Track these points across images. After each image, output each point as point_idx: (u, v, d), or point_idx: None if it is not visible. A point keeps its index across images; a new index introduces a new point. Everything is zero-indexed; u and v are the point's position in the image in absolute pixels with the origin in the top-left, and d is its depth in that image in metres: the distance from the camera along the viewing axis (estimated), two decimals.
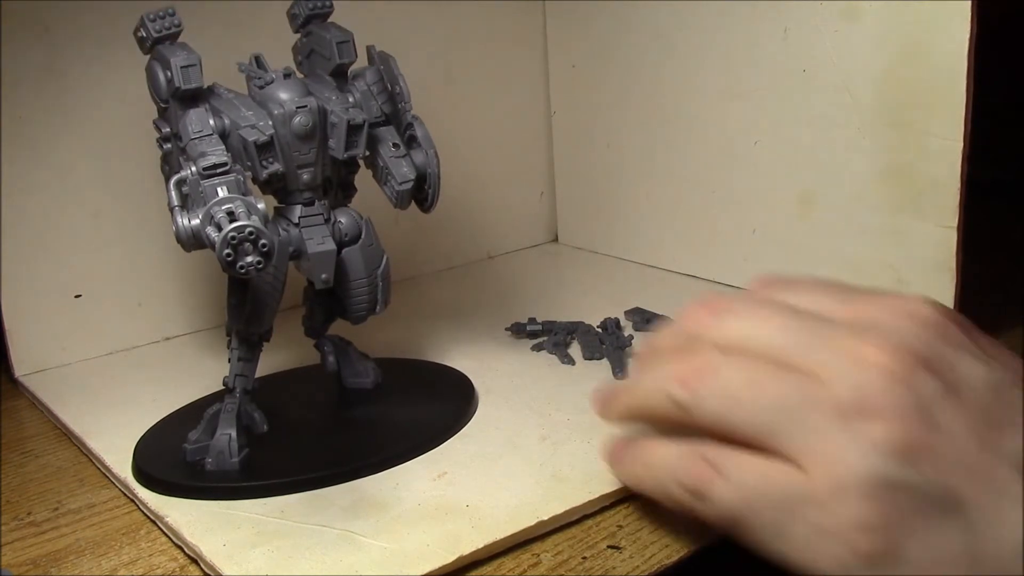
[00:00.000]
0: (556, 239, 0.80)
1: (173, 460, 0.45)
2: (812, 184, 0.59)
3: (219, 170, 0.41)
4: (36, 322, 0.58)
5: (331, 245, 0.45)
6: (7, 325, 0.57)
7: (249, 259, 0.38)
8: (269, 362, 0.53)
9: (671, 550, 0.38)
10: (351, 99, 0.47)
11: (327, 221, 0.46)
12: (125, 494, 0.45)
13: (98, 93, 0.58)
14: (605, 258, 0.74)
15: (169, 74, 0.43)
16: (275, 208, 0.46)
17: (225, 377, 0.47)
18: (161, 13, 0.44)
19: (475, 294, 0.68)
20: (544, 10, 0.75)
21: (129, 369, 0.58)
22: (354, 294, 0.47)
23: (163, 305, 0.62)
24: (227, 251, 0.38)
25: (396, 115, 0.48)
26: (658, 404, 0.36)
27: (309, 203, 0.46)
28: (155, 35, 0.44)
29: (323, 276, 0.45)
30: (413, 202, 0.49)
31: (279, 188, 0.46)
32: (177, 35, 0.45)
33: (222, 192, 0.40)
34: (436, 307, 0.65)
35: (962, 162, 0.51)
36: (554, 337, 0.57)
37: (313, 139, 0.44)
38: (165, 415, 0.51)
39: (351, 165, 0.48)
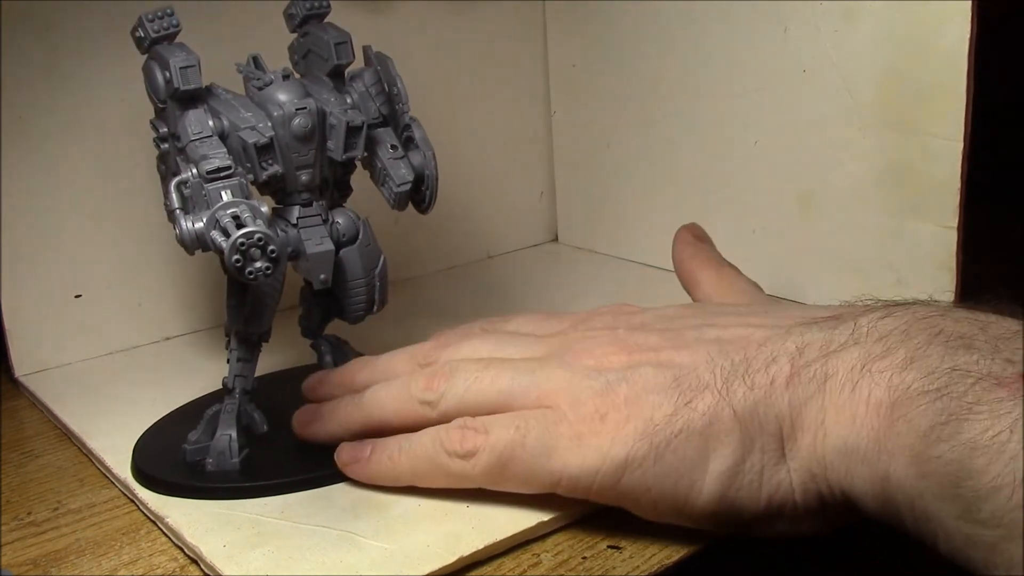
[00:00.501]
0: (556, 239, 0.80)
1: (173, 460, 0.45)
2: (812, 184, 0.59)
3: (223, 173, 0.41)
4: (36, 322, 0.58)
5: (329, 245, 0.45)
6: (7, 325, 0.57)
7: (258, 264, 0.38)
8: (267, 362, 0.53)
9: (671, 550, 0.38)
10: (349, 100, 0.47)
11: (325, 222, 0.46)
12: (125, 494, 0.45)
13: (98, 93, 0.58)
14: (605, 258, 0.74)
15: (168, 74, 0.43)
16: (273, 209, 0.46)
17: (224, 378, 0.47)
18: (160, 13, 0.44)
19: (475, 294, 0.68)
20: (544, 10, 0.75)
21: (129, 369, 0.58)
22: (352, 294, 0.47)
23: (163, 305, 0.62)
24: (236, 257, 0.38)
25: (394, 116, 0.48)
26: (405, 410, 0.42)
27: (307, 204, 0.46)
28: (153, 35, 0.44)
29: (321, 276, 0.45)
30: (411, 204, 0.49)
31: (278, 189, 0.46)
32: (175, 35, 0.44)
33: (226, 196, 0.40)
34: (437, 307, 0.65)
35: (962, 162, 0.51)
36: None
37: (312, 141, 0.45)
38: (163, 415, 0.50)
39: (348, 166, 0.48)
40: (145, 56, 0.45)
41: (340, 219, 0.47)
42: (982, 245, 0.54)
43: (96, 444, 0.48)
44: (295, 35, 0.50)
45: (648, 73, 0.67)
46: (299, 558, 0.38)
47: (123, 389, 0.55)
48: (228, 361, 0.47)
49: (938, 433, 0.31)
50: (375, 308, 0.48)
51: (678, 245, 0.53)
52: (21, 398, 0.57)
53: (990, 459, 0.29)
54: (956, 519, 0.31)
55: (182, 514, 0.42)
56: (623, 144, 0.71)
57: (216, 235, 0.39)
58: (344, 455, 0.43)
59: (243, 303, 0.45)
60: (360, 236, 0.47)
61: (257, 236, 0.38)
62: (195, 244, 0.40)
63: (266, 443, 0.46)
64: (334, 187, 0.48)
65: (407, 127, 0.48)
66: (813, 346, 0.36)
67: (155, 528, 0.42)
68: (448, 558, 0.37)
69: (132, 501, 0.44)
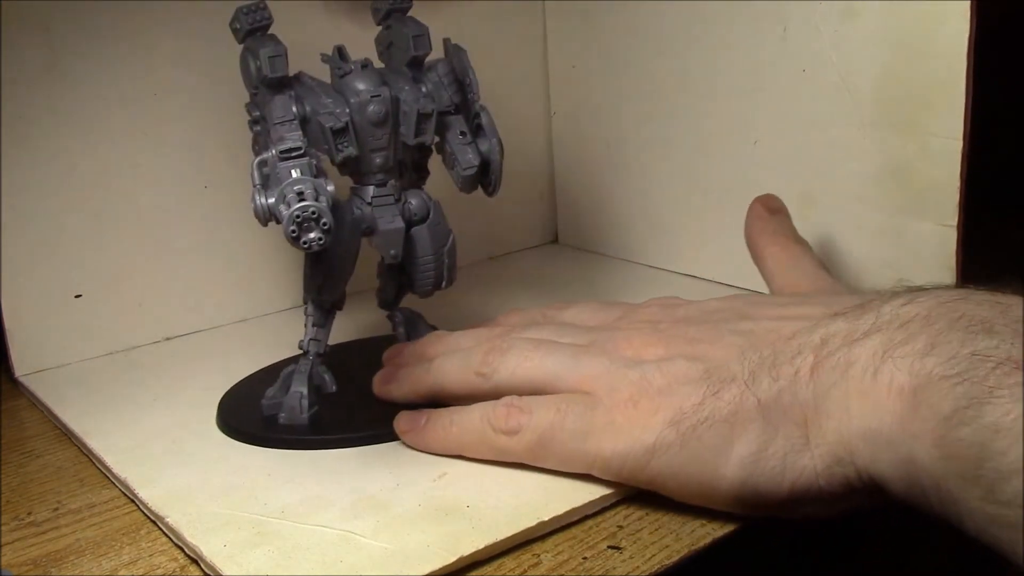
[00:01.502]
0: (556, 239, 0.80)
1: (252, 413, 0.50)
2: (812, 184, 0.59)
3: (294, 154, 0.45)
4: (36, 322, 0.58)
5: (400, 223, 0.49)
6: (7, 325, 0.57)
7: (312, 235, 0.43)
8: (346, 331, 0.58)
9: (671, 550, 0.38)
10: (424, 89, 0.50)
11: (398, 201, 0.49)
12: (125, 494, 0.45)
13: (98, 93, 0.58)
14: (605, 258, 0.74)
15: (258, 63, 0.47)
16: (351, 188, 0.50)
17: (300, 340, 0.51)
18: (254, 7, 0.47)
19: (477, 295, 0.68)
20: (544, 10, 0.75)
21: (130, 369, 0.58)
22: (421, 270, 0.51)
23: (163, 305, 0.62)
24: (292, 228, 0.42)
25: (466, 105, 0.51)
26: (463, 380, 0.46)
27: (382, 184, 0.49)
28: (248, 27, 0.47)
29: (392, 252, 0.49)
30: (480, 187, 0.52)
31: (354, 170, 0.49)
32: (267, 27, 0.48)
33: (295, 174, 0.44)
34: (440, 307, 0.65)
35: (962, 161, 0.51)
36: None
37: (385, 125, 0.48)
38: (248, 374, 0.54)
39: (423, 150, 0.51)
40: (241, 46, 0.49)
41: (413, 200, 0.50)
42: (982, 244, 0.54)
43: (96, 444, 0.48)
44: (380, 28, 0.53)
45: (648, 73, 0.67)
46: (299, 558, 0.38)
47: (123, 389, 0.55)
48: (305, 325, 0.51)
49: (960, 417, 0.31)
50: (443, 284, 0.52)
51: (750, 217, 0.54)
52: (21, 398, 0.57)
53: (1011, 441, 0.30)
54: (980, 500, 0.31)
55: (182, 514, 0.42)
56: (623, 144, 0.71)
57: (282, 208, 0.43)
58: (402, 423, 0.46)
59: (317, 273, 0.49)
60: (431, 216, 0.50)
61: (311, 210, 0.42)
62: (266, 217, 0.44)
63: (334, 402, 0.50)
64: (412, 170, 0.52)
65: (477, 115, 0.51)
66: (837, 336, 0.37)
67: (155, 528, 0.42)
68: (448, 558, 0.37)
69: (132, 501, 0.44)
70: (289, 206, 0.42)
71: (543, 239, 0.79)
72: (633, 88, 0.69)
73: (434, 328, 0.54)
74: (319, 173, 0.45)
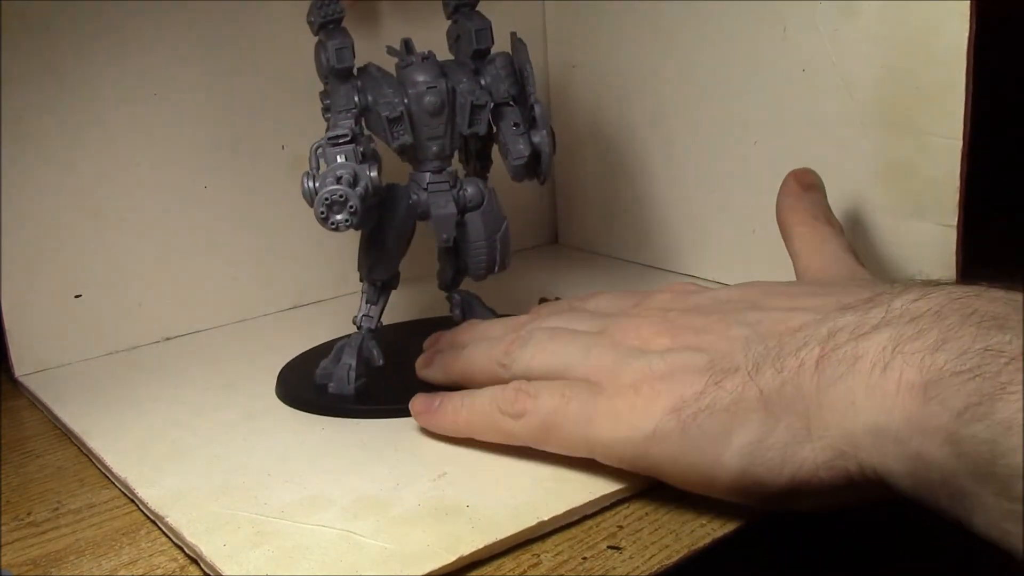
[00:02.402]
0: (556, 240, 0.80)
1: (307, 381, 0.53)
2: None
3: (341, 140, 0.47)
4: (36, 322, 0.58)
5: (452, 209, 0.51)
6: (7, 325, 0.57)
7: (338, 217, 0.45)
8: (408, 310, 0.62)
9: (671, 550, 0.38)
10: (483, 81, 0.52)
11: (452, 187, 0.52)
12: (125, 494, 0.45)
13: (98, 93, 0.58)
14: (605, 258, 0.74)
15: (327, 54, 0.49)
16: (409, 174, 0.53)
17: (354, 316, 0.53)
18: (327, 1, 0.50)
19: (479, 294, 0.67)
20: (544, 10, 0.75)
21: (129, 369, 0.58)
22: (474, 254, 0.53)
23: (163, 305, 0.62)
24: (321, 209, 0.45)
25: (523, 97, 0.53)
26: (486, 368, 0.47)
27: (438, 171, 0.52)
28: (320, 20, 0.50)
29: (444, 236, 0.52)
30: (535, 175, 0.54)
31: (412, 157, 0.52)
32: (339, 20, 0.50)
33: (340, 159, 0.46)
34: (439, 307, 0.65)
35: (962, 161, 0.51)
36: None
37: (441, 115, 0.51)
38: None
39: (485, 140, 0.54)
40: (316, 38, 0.51)
41: (469, 187, 0.52)
42: (982, 244, 0.54)
43: (96, 444, 0.48)
44: (450, 21, 0.55)
45: (648, 73, 0.67)
46: (299, 558, 0.38)
47: (123, 389, 0.55)
48: (360, 302, 0.53)
49: (972, 413, 0.31)
50: (496, 268, 0.54)
51: (781, 193, 0.54)
52: (21, 398, 0.57)
53: None
54: (993, 496, 0.31)
55: (182, 514, 0.42)
56: (623, 144, 0.71)
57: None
58: (417, 404, 0.47)
59: (370, 252, 0.52)
60: (485, 203, 0.52)
61: (339, 193, 0.45)
62: (310, 199, 0.46)
63: (382, 376, 0.53)
64: (475, 158, 0.55)
65: (532, 107, 0.53)
66: (845, 330, 0.37)
67: (155, 528, 0.42)
68: (448, 558, 0.37)
69: (132, 501, 0.44)
70: (324, 189, 0.45)
71: (543, 239, 0.79)
72: (633, 88, 0.69)
73: (492, 311, 0.56)
74: (365, 159, 0.47)
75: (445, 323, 0.56)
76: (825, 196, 0.53)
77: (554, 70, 0.76)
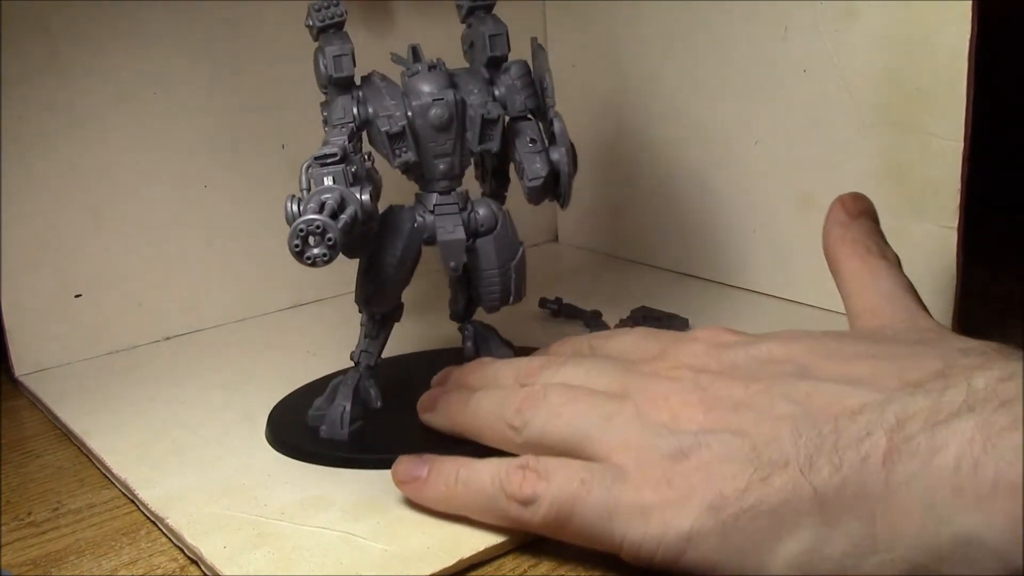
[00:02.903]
0: (556, 239, 0.80)
1: (298, 423, 0.48)
2: (812, 184, 0.59)
3: (329, 160, 0.41)
4: (36, 321, 0.58)
5: (461, 234, 0.46)
6: (7, 325, 0.57)
7: (316, 251, 0.39)
8: (417, 340, 0.57)
9: None
10: (497, 92, 0.47)
11: (462, 210, 0.47)
12: (125, 494, 0.45)
13: (98, 92, 0.58)
14: (605, 257, 0.74)
15: (325, 62, 0.45)
16: (415, 195, 0.48)
17: (352, 351, 0.48)
18: (326, 3, 0.45)
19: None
20: (544, 10, 0.74)
21: (129, 369, 0.58)
22: (486, 283, 0.48)
23: (163, 305, 0.62)
24: (295, 241, 0.39)
25: (542, 110, 0.48)
26: (495, 427, 0.41)
27: (445, 192, 0.47)
28: (319, 24, 0.45)
29: (451, 264, 0.46)
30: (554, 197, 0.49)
31: (418, 176, 0.47)
32: (340, 24, 0.46)
33: (327, 181, 0.41)
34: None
35: (963, 162, 0.51)
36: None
37: (449, 131, 0.46)
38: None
39: (502, 156, 0.49)
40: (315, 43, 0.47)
41: (481, 209, 0.47)
42: (982, 246, 0.54)
43: (96, 444, 0.48)
44: (464, 25, 0.50)
45: (648, 73, 0.67)
46: (299, 559, 0.38)
47: (123, 389, 0.55)
48: (359, 335, 0.48)
49: None
50: (511, 299, 0.48)
51: (828, 222, 0.47)
52: (21, 398, 0.57)
53: None
54: None
55: (182, 515, 0.42)
56: (623, 144, 0.71)
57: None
58: (400, 471, 0.41)
59: (367, 281, 0.46)
60: (498, 227, 0.47)
61: (315, 224, 0.38)
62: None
63: (380, 417, 0.48)
64: (491, 176, 0.50)
65: (551, 122, 0.48)
66: (918, 417, 0.31)
67: (155, 528, 0.42)
68: (448, 560, 0.37)
69: (132, 501, 0.44)
70: (298, 219, 0.39)
71: (543, 238, 0.79)
72: (633, 88, 0.69)
73: (509, 344, 0.51)
74: (356, 180, 0.42)
75: (455, 356, 0.51)
76: (878, 223, 0.47)
77: (554, 70, 0.75)
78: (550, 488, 0.37)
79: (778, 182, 0.61)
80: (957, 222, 0.52)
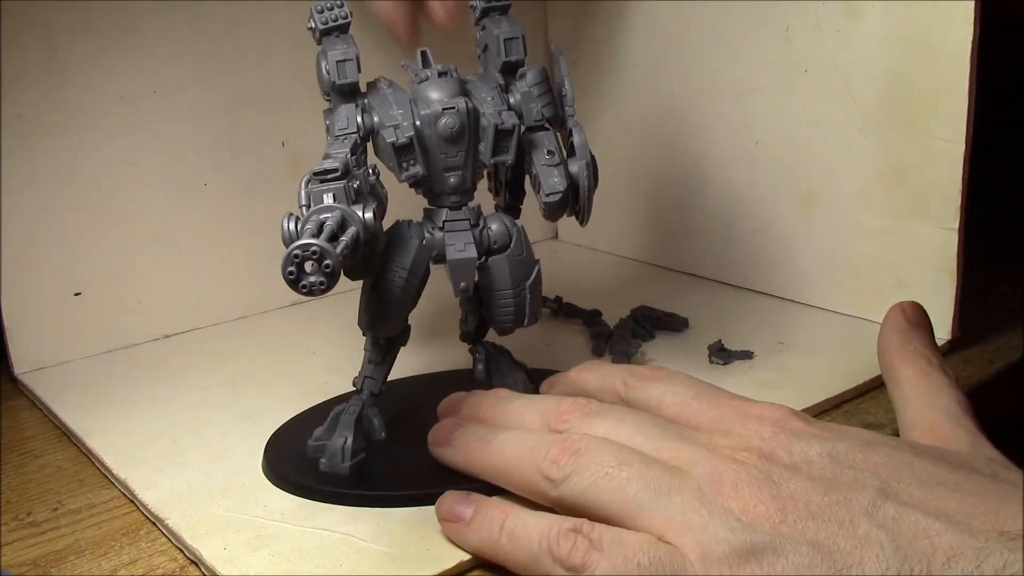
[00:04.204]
0: (556, 236, 0.80)
1: (297, 454, 0.45)
2: (813, 184, 0.59)
3: (330, 176, 0.39)
4: (36, 320, 0.58)
5: (472, 252, 0.43)
6: (7, 323, 0.57)
7: (312, 279, 0.35)
8: (426, 361, 0.54)
9: None
10: (512, 100, 0.45)
11: (474, 226, 0.44)
12: (125, 494, 0.45)
13: (98, 92, 0.58)
14: (605, 256, 0.74)
15: (327, 67, 0.42)
16: (424, 209, 0.45)
17: (355, 377, 0.46)
18: (329, 5, 0.43)
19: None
20: (544, 10, 0.74)
21: (129, 367, 0.58)
22: (499, 304, 0.44)
23: (163, 303, 0.62)
24: (290, 269, 0.35)
25: (560, 119, 0.45)
26: (527, 479, 0.38)
27: (456, 207, 0.44)
28: (322, 27, 0.43)
29: (461, 284, 0.43)
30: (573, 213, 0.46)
31: (427, 190, 0.44)
32: (345, 27, 0.43)
33: (327, 199, 0.38)
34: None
35: (964, 163, 0.51)
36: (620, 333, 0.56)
37: (461, 142, 0.42)
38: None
39: (517, 169, 0.45)
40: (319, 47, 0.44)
41: (494, 225, 0.44)
42: (982, 246, 0.54)
43: (96, 444, 0.48)
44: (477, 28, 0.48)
45: (649, 73, 0.67)
46: (299, 561, 0.38)
47: (123, 387, 0.55)
48: (362, 360, 0.46)
49: None
50: (525, 321, 0.45)
51: (885, 328, 0.46)
52: (21, 398, 0.57)
53: None
54: None
55: (182, 516, 0.42)
56: (623, 144, 0.71)
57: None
58: (444, 509, 0.39)
59: (371, 303, 0.43)
60: (512, 245, 0.44)
61: (312, 249, 0.35)
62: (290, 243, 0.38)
63: (385, 448, 0.45)
64: (506, 189, 0.47)
65: (570, 132, 0.45)
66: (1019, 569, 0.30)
67: (155, 528, 0.42)
68: (448, 562, 0.37)
69: (132, 501, 0.44)
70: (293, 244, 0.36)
71: (543, 236, 0.79)
72: (633, 88, 0.69)
73: (523, 367, 0.48)
74: (359, 198, 0.39)
75: (465, 380, 0.48)
76: (933, 336, 0.46)
77: None
78: (602, 563, 0.34)
79: (779, 182, 0.60)
80: (958, 223, 0.52)
